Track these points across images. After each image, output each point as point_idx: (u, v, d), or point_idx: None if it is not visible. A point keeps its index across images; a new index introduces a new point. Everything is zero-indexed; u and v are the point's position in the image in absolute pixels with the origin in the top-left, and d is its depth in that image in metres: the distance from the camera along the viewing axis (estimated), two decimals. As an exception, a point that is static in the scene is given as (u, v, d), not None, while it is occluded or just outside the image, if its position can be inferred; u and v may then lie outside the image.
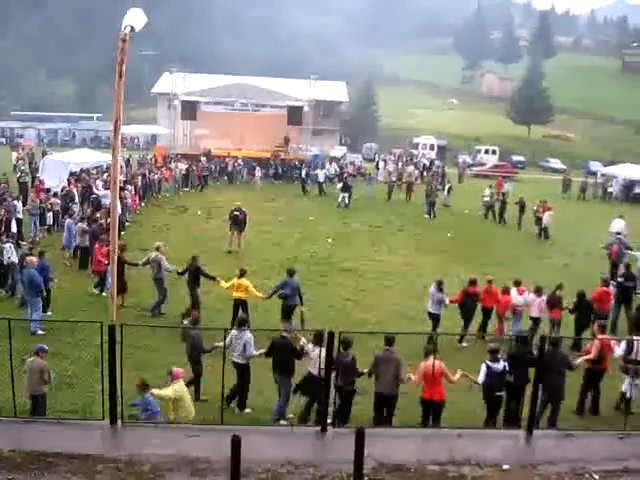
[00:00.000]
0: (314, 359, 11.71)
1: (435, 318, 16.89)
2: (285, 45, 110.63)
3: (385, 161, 53.16)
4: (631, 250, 24.05)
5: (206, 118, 51.49)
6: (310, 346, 12.04)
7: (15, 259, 18.35)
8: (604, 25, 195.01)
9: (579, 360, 13.14)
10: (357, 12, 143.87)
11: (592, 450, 11.19)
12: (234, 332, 12.60)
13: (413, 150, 65.69)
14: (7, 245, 18.76)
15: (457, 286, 18.56)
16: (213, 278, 17.63)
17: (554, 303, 16.98)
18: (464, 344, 16.56)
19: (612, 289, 18.29)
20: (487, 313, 17.46)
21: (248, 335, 12.46)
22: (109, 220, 21.60)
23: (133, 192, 31.05)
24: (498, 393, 12.02)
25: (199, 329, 13.85)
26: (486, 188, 37.73)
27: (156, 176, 37.00)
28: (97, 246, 18.92)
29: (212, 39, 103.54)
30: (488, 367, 11.96)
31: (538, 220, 32.24)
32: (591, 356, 13.09)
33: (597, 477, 10.24)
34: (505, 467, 10.43)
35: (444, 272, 23.67)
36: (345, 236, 29.74)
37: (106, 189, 29.77)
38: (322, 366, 11.23)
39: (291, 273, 16.83)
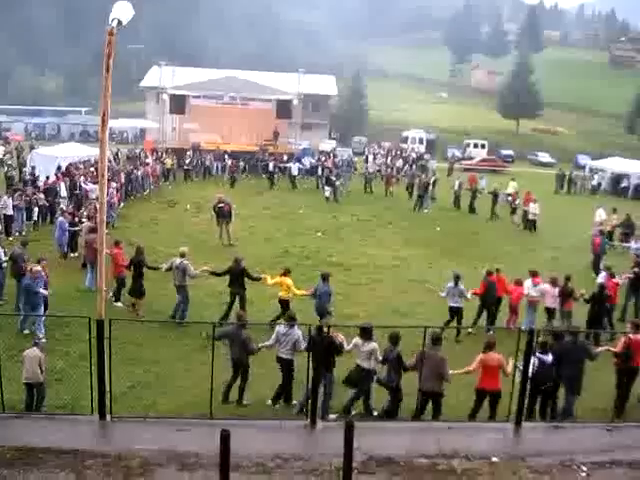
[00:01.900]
0: (364, 352, 11.86)
1: (457, 311, 16.98)
2: (273, 39, 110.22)
3: (374, 155, 53.15)
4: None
5: (195, 112, 51.31)
6: (359, 341, 12.10)
7: (3, 263, 17.48)
8: (592, 19, 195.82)
9: (600, 349, 13.04)
10: (345, 6, 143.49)
11: (580, 442, 11.28)
12: (281, 329, 12.52)
13: (402, 144, 65.71)
14: None
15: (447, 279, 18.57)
16: (259, 279, 17.06)
17: (567, 295, 17.18)
18: (472, 330, 16.63)
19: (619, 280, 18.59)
20: (497, 303, 17.67)
21: (298, 332, 12.43)
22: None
23: (116, 190, 30.62)
24: (545, 385, 12.12)
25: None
26: (456, 180, 39.03)
27: (139, 172, 36.12)
28: (117, 250, 17.89)
29: (200, 33, 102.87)
30: (539, 359, 12.05)
31: (519, 212, 32.88)
32: (616, 349, 12.84)
33: (585, 469, 10.31)
34: (494, 459, 10.50)
35: (433, 266, 23.86)
36: (334, 230, 29.73)
37: (94, 183, 29.64)
38: (377, 358, 11.84)
39: (324, 278, 16.43)
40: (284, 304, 16.36)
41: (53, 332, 15.15)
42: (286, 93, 50.78)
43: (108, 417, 11.24)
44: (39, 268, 15.47)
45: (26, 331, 15.15)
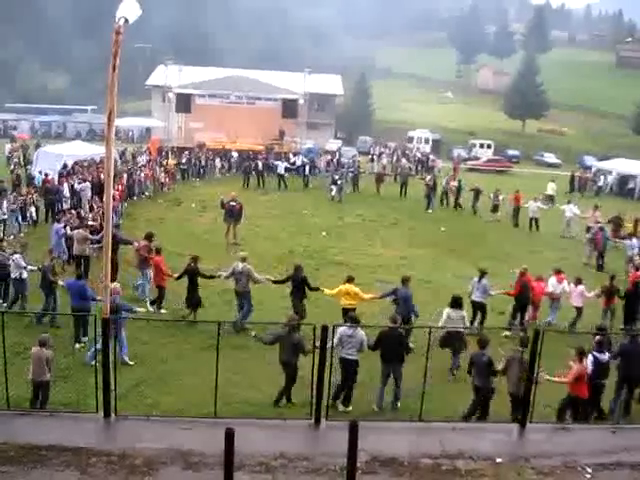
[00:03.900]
0: (456, 319, 12.90)
1: (481, 306, 17.08)
2: (279, 38, 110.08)
3: (379, 154, 53.08)
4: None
5: (200, 111, 51.30)
6: (449, 310, 14.18)
7: (25, 274, 16.47)
8: (599, 20, 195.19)
9: None
10: (352, 5, 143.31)
11: (585, 443, 11.26)
12: (345, 330, 12.48)
13: (408, 144, 65.65)
14: (16, 256, 16.64)
15: (452, 279, 18.58)
16: (317, 289, 16.67)
17: (612, 293, 17.53)
18: (508, 333, 16.56)
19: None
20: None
21: (362, 333, 12.47)
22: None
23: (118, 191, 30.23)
24: (601, 381, 12.18)
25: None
26: (444, 176, 40.36)
27: (142, 174, 35.58)
28: (157, 258, 17.38)
29: (206, 32, 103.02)
30: (595, 358, 12.08)
31: (504, 209, 33.64)
32: None
33: (590, 470, 10.28)
34: (498, 460, 10.48)
35: (438, 266, 23.83)
36: (339, 230, 29.72)
37: (84, 181, 29.55)
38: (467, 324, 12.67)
39: (404, 281, 16.06)
40: (349, 312, 15.71)
41: (59, 330, 15.21)
42: (292, 92, 50.76)
43: (113, 415, 11.26)
44: (117, 285, 14.64)
45: (92, 362, 13.17)
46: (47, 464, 9.72)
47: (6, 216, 24.01)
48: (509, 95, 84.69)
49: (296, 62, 73.05)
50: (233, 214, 25.81)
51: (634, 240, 24.73)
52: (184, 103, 50.17)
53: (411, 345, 12.90)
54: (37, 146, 44.97)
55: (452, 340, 13.88)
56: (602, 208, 30.28)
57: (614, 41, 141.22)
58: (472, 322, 16.72)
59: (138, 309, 15.03)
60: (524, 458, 10.64)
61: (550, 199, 37.01)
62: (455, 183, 37.68)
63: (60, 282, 15.86)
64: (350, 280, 16.12)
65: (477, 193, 35.29)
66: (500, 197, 34.09)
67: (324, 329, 11.36)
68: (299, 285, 16.49)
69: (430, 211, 35.50)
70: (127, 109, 69.84)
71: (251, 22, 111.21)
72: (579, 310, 17.52)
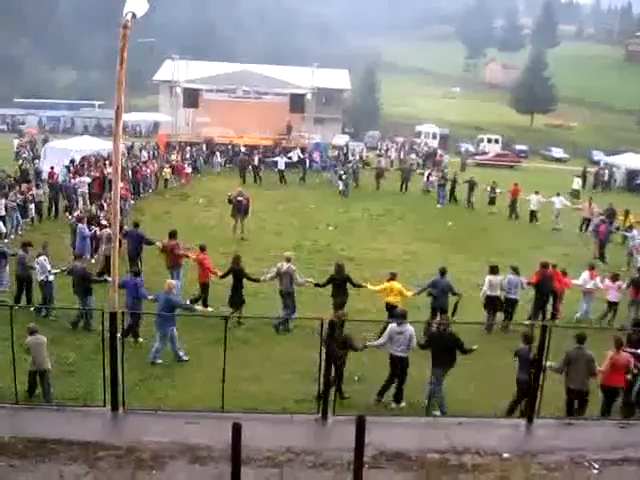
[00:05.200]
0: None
1: (514, 303, 17.24)
2: (286, 33, 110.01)
3: (387, 149, 53.00)
4: None
5: (208, 106, 51.28)
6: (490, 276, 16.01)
7: (52, 276, 16.09)
8: (608, 14, 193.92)
9: None
10: (359, 0, 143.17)
11: (592, 439, 11.22)
12: (394, 327, 12.48)
13: (415, 138, 65.54)
14: (41, 259, 16.14)
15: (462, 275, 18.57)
16: (361, 286, 16.61)
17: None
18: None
19: None
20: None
21: (411, 329, 12.42)
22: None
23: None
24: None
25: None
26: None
27: (148, 170, 35.28)
28: (202, 256, 17.12)
29: (213, 27, 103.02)
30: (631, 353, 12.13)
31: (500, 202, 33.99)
32: None
33: (597, 466, 10.26)
34: (505, 455, 10.46)
35: (444, 260, 23.76)
36: (345, 224, 29.74)
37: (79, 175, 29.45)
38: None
39: (442, 272, 16.35)
40: (393, 309, 15.89)
41: (67, 324, 15.27)
42: (299, 87, 50.65)
43: (120, 409, 11.29)
44: (174, 282, 14.81)
45: (159, 361, 13.88)
46: (55, 458, 9.75)
47: (3, 213, 23.23)
48: (517, 90, 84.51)
49: (303, 57, 72.99)
50: (241, 209, 25.85)
51: (634, 231, 25.28)
52: (191, 98, 50.12)
53: (474, 347, 12.37)
54: (45, 141, 45.11)
55: (493, 302, 16.61)
56: (614, 203, 30.44)
57: (623, 35, 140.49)
58: (507, 319, 17.14)
59: (197, 307, 15.11)
60: (531, 453, 10.61)
61: (576, 194, 37.51)
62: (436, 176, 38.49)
63: (108, 278, 15.80)
64: (393, 277, 16.25)
65: (472, 186, 35.33)
66: (497, 190, 34.49)
67: (331, 324, 11.35)
68: (342, 285, 16.38)
69: (438, 206, 35.50)
70: (135, 104, 69.85)
71: (258, 17, 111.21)
72: (613, 305, 17.96)
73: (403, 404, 12.48)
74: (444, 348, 12.05)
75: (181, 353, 13.97)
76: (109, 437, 10.56)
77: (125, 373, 11.27)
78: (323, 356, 11.38)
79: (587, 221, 30.11)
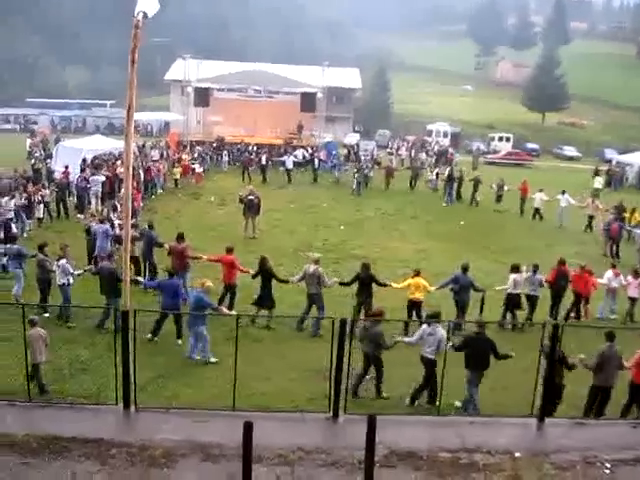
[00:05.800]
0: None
1: (535, 300, 17.41)
2: (297, 32, 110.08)
3: (398, 148, 52.89)
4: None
5: (219, 105, 51.42)
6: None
7: (72, 279, 15.89)
8: (620, 11, 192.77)
9: None
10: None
11: (604, 439, 11.17)
12: (427, 328, 12.46)
13: (427, 137, 65.40)
14: (62, 262, 15.90)
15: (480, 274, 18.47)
16: (386, 285, 16.55)
17: None
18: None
19: None
20: (578, 297, 18.26)
21: (442, 331, 12.37)
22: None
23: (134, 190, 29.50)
24: None
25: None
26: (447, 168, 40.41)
27: (159, 169, 35.01)
28: (230, 257, 16.88)
29: (223, 26, 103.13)
30: None
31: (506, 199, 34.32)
32: None
33: (609, 465, 10.22)
34: (517, 455, 10.44)
35: (456, 259, 23.71)
36: (357, 223, 29.74)
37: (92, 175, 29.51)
38: None
39: (464, 268, 16.36)
40: (417, 305, 16.08)
41: (79, 323, 15.33)
42: (310, 86, 50.60)
43: (132, 407, 11.34)
44: (210, 283, 14.45)
45: (197, 357, 13.97)
46: (68, 455, 9.81)
47: (11, 215, 22.67)
48: (529, 88, 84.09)
49: (314, 56, 72.98)
50: (252, 208, 25.88)
51: None
52: (202, 97, 50.20)
53: (511, 353, 12.24)
54: (57, 140, 45.30)
55: (514, 300, 16.81)
56: (625, 201, 30.42)
57: (635, 32, 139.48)
58: (529, 318, 17.31)
59: (224, 310, 14.87)
60: (543, 453, 10.59)
61: (596, 193, 37.41)
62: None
63: (139, 279, 15.61)
64: (418, 274, 16.34)
65: (476, 184, 35.31)
66: (505, 187, 34.62)
67: (342, 323, 11.35)
68: (367, 283, 16.37)
69: (444, 205, 35.42)
70: (146, 103, 70.03)
71: (269, 16, 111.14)
72: (635, 301, 18.19)
73: (437, 403, 12.34)
74: (479, 351, 11.97)
75: (209, 354, 13.76)
76: (122, 435, 10.60)
77: (137, 371, 11.31)
78: (334, 355, 11.37)
79: (591, 218, 30.07)
